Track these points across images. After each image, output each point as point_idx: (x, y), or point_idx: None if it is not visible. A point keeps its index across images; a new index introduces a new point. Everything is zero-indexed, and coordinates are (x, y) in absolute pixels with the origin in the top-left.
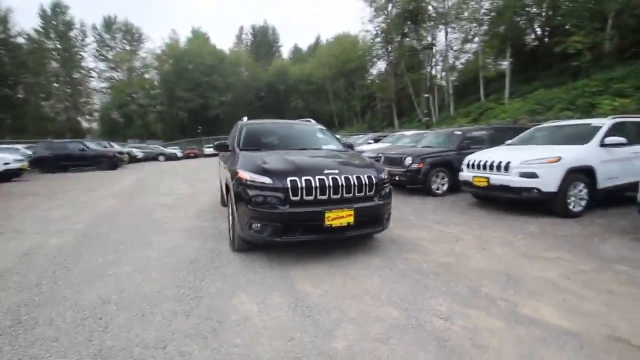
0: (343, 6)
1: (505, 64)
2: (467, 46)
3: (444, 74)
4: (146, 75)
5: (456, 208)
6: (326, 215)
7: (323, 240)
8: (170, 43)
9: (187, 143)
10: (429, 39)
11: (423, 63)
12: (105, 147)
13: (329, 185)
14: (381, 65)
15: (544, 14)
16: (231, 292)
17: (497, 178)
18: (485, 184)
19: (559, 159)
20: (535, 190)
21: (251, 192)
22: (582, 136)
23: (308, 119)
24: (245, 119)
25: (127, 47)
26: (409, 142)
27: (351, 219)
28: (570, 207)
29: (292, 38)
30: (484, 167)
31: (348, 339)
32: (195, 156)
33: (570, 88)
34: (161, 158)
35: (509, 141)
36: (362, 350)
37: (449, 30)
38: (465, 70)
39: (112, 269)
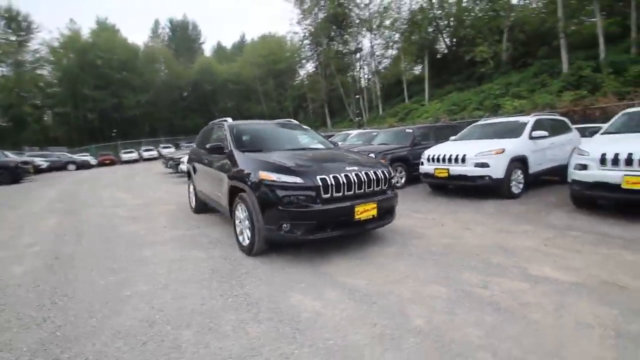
0: (267, 4)
1: (418, 69)
2: (390, 52)
3: (370, 76)
4: (41, 72)
5: (419, 198)
6: (356, 209)
7: (348, 235)
8: (70, 34)
9: (99, 149)
10: (354, 43)
11: (351, 66)
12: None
13: (355, 181)
14: (311, 67)
15: (451, 25)
16: (282, 293)
17: (456, 169)
18: (446, 174)
19: (504, 150)
20: (487, 178)
21: (281, 193)
22: (514, 131)
23: (289, 119)
24: (229, 119)
25: (13, 38)
26: (356, 140)
27: (375, 212)
28: (513, 190)
29: (215, 35)
30: (444, 160)
31: (422, 316)
32: (112, 163)
33: (478, 91)
34: (71, 167)
35: (454, 137)
36: (441, 322)
37: (372, 36)
38: (389, 74)
39: (126, 289)
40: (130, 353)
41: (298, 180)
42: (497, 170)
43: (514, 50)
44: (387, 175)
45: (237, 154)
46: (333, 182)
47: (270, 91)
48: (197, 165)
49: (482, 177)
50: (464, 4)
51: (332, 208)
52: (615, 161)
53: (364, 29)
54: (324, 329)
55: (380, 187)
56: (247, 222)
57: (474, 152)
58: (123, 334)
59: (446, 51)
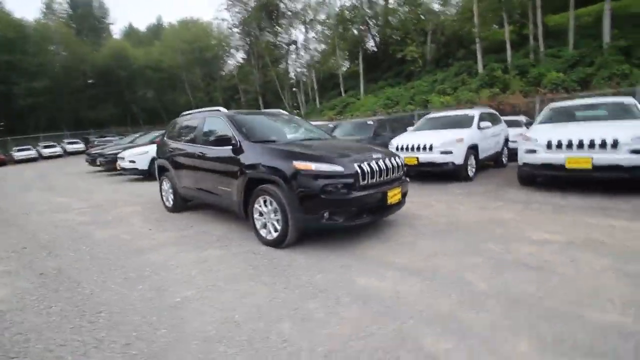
0: None
1: (350, 65)
2: (325, 46)
3: (306, 70)
4: None
5: None
6: (388, 194)
7: (378, 220)
8: None
9: None
10: (286, 35)
11: (285, 57)
12: None
13: (383, 168)
14: (242, 57)
15: (379, 25)
16: (344, 278)
17: (424, 157)
18: (416, 162)
19: (463, 139)
20: (451, 164)
21: (322, 182)
22: (465, 122)
23: (278, 110)
24: (222, 109)
25: None
26: None
27: (400, 196)
28: (469, 173)
29: (125, 17)
30: (412, 149)
31: (482, 281)
32: (3, 163)
33: (408, 87)
34: None
35: (411, 128)
36: (500, 283)
37: (305, 30)
38: (324, 68)
39: (169, 296)
40: (243, 354)
41: (338, 168)
42: (458, 156)
43: (436, 51)
44: (402, 163)
45: (248, 146)
46: (368, 170)
47: (197, 80)
48: (178, 159)
49: (446, 163)
50: (390, 6)
51: (371, 194)
52: (559, 146)
53: (296, 21)
54: (410, 303)
55: (399, 173)
56: (273, 214)
57: (439, 141)
58: (215, 337)
59: (376, 49)
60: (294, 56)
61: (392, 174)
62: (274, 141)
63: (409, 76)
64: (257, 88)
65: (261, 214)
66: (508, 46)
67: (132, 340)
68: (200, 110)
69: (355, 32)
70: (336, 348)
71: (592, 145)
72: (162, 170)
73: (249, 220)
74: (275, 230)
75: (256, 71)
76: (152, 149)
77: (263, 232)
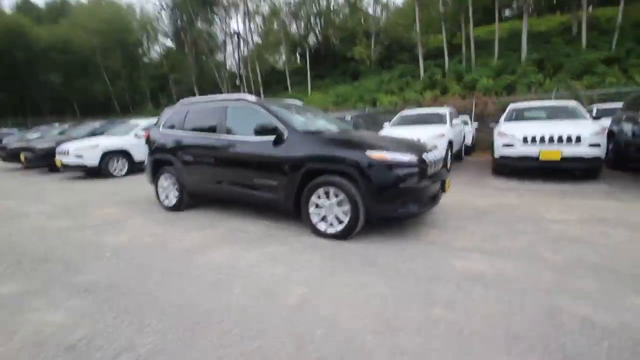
0: None
1: (289, 60)
2: (268, 39)
3: (249, 63)
4: None
5: None
6: (446, 182)
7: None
8: None
9: None
10: (223, 25)
11: (224, 48)
12: None
13: (437, 159)
14: (171, 43)
15: (323, 24)
16: (441, 264)
17: None
18: None
19: (444, 134)
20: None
21: (400, 172)
22: (438, 119)
23: (293, 100)
24: (248, 96)
25: None
26: None
27: (449, 184)
28: (447, 167)
29: None
30: None
31: (561, 254)
32: None
33: (357, 86)
34: None
35: (389, 124)
36: (579, 255)
37: (247, 21)
38: (269, 62)
39: (284, 300)
40: (435, 342)
41: (413, 158)
42: (442, 150)
43: (380, 53)
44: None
45: (299, 136)
46: (432, 159)
47: (118, 67)
48: (188, 151)
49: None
50: (332, 7)
51: (435, 182)
52: (534, 140)
53: (234, 11)
54: (523, 282)
55: (445, 164)
56: (336, 207)
57: (425, 136)
58: (386, 331)
59: (319, 47)
60: (232, 48)
61: (441, 165)
62: (318, 132)
63: (355, 75)
64: (193, 79)
65: (318, 207)
66: (445, 53)
67: (311, 350)
68: (211, 97)
69: (298, 28)
70: (524, 327)
71: (560, 140)
72: (160, 164)
73: (298, 214)
74: (339, 223)
75: (191, 60)
76: (103, 142)
77: (322, 226)
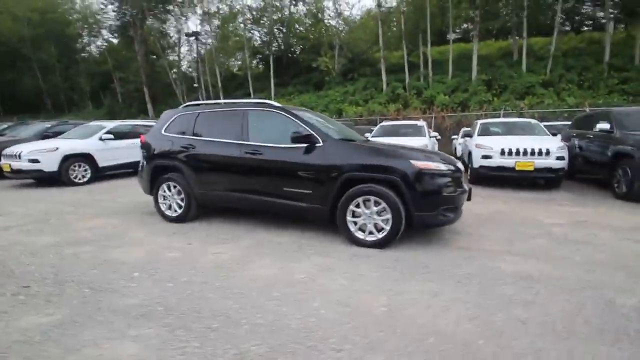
0: None
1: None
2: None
3: (206, 65)
4: None
5: None
6: (471, 191)
7: None
8: None
9: None
10: (177, 25)
11: (177, 47)
12: None
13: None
14: (116, 39)
15: (284, 32)
16: (488, 267)
17: None
18: None
19: (426, 145)
20: None
21: (441, 180)
22: (417, 131)
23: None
24: (270, 101)
25: None
26: None
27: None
28: None
29: None
30: None
31: (578, 253)
32: None
33: (322, 95)
34: None
35: (370, 135)
36: (589, 254)
37: (204, 22)
38: (231, 67)
39: (371, 310)
40: (533, 337)
41: (451, 167)
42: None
43: (343, 65)
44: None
45: (336, 145)
46: (463, 169)
47: (52, 61)
48: (201, 158)
49: None
50: (294, 15)
51: (466, 190)
52: (510, 153)
53: (189, 11)
54: (566, 280)
55: None
56: (376, 215)
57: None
58: (486, 335)
59: (283, 55)
60: (188, 49)
61: None
62: (353, 140)
63: (318, 85)
64: (143, 79)
65: (355, 215)
66: (406, 69)
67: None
68: (226, 101)
69: (261, 35)
70: (597, 318)
71: (533, 153)
72: (161, 172)
73: (332, 223)
74: (379, 230)
75: (141, 59)
76: (64, 145)
77: (360, 235)
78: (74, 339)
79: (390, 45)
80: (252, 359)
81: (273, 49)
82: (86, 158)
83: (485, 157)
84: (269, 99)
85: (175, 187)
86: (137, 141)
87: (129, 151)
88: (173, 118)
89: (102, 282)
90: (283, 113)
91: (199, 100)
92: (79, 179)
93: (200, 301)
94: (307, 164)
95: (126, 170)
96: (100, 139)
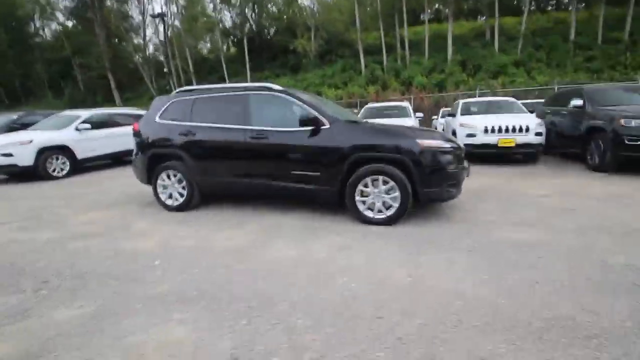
0: None
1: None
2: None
3: (175, 49)
4: None
5: None
6: (469, 169)
7: None
8: None
9: None
10: (140, 6)
11: (142, 30)
12: None
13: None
14: (73, 21)
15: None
16: (482, 238)
17: None
18: None
19: (414, 126)
20: None
21: (445, 158)
22: (403, 112)
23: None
24: (273, 85)
25: None
26: None
27: None
28: None
29: None
30: None
31: (581, 219)
32: None
33: (300, 79)
34: None
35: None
36: (594, 217)
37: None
38: (201, 50)
39: (448, 300)
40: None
41: (453, 145)
42: None
43: (320, 46)
44: None
45: (342, 126)
46: (463, 146)
47: (2, 47)
48: (202, 144)
49: None
50: None
51: (465, 167)
52: (493, 130)
53: None
54: (564, 246)
55: None
56: (385, 194)
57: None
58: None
59: (256, 37)
60: (154, 31)
61: None
62: (358, 122)
63: (295, 68)
64: (106, 64)
65: (363, 195)
66: (384, 51)
67: (472, 319)
68: (224, 85)
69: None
70: (596, 275)
71: (514, 130)
72: (159, 160)
73: (341, 204)
74: (387, 208)
75: (102, 43)
76: (38, 137)
77: (369, 213)
78: (116, 327)
79: (367, 26)
80: (301, 330)
81: (246, 30)
82: (63, 150)
83: (470, 135)
84: (245, 81)
85: (175, 175)
86: (117, 130)
87: (109, 141)
88: (167, 104)
89: (123, 272)
90: (285, 96)
91: (169, 85)
92: (58, 173)
93: (230, 284)
94: (315, 147)
95: (106, 161)
96: (77, 129)
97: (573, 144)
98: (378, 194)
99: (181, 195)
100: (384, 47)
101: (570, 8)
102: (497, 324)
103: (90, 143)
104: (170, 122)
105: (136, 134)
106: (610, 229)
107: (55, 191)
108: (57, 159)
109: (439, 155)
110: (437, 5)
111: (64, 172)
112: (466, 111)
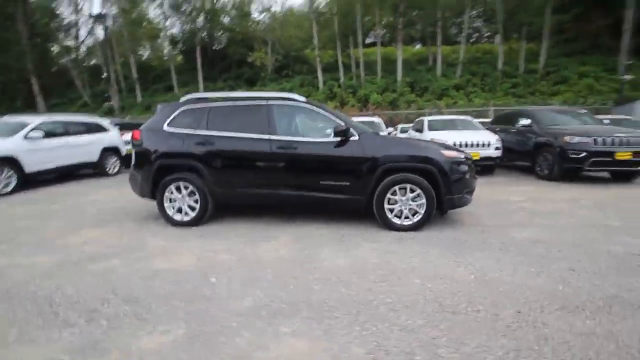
0: None
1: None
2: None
3: (116, 55)
4: None
5: None
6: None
7: None
8: None
9: None
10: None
11: (75, 30)
12: None
13: None
14: None
15: (208, 23)
16: (501, 238)
17: None
18: None
19: None
20: None
21: (464, 167)
22: (376, 127)
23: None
24: (296, 96)
25: None
26: None
27: None
28: None
29: None
30: None
31: (562, 224)
32: None
33: (257, 90)
34: None
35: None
36: (564, 223)
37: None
38: (148, 57)
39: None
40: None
41: (468, 155)
42: None
43: (277, 61)
44: None
45: (371, 138)
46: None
47: None
48: (223, 154)
49: None
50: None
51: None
52: (460, 145)
53: None
54: (569, 241)
55: None
56: (411, 201)
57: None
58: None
59: (208, 47)
60: (91, 33)
61: None
62: (383, 134)
63: (251, 80)
64: (29, 66)
65: (390, 203)
66: (340, 69)
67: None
68: (241, 94)
69: (182, 23)
70: (606, 260)
71: (477, 145)
72: (169, 172)
73: (369, 212)
74: (413, 215)
75: (24, 42)
76: None
77: (396, 220)
78: (230, 346)
79: (324, 45)
80: (419, 329)
81: (198, 40)
82: (9, 162)
83: None
84: (197, 92)
85: (186, 187)
86: (73, 140)
87: (64, 152)
88: (176, 112)
89: (182, 292)
90: (312, 107)
91: (108, 92)
92: (2, 189)
93: (312, 293)
94: (347, 157)
95: (61, 174)
96: (26, 137)
97: (522, 157)
98: (405, 202)
99: (192, 209)
100: (340, 66)
101: (496, 42)
102: (570, 305)
103: (42, 154)
104: (182, 131)
105: (137, 143)
106: (593, 226)
107: (11, 210)
108: (1, 172)
109: (460, 165)
110: (384, 32)
111: (9, 188)
112: (432, 127)
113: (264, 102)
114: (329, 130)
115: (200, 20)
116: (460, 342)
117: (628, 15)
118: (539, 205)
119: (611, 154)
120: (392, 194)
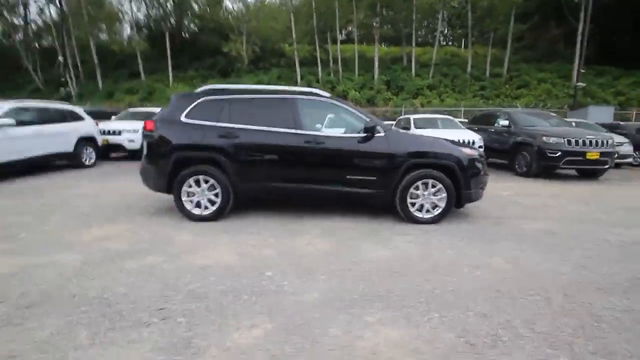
0: None
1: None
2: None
3: (67, 35)
4: None
5: None
6: None
7: None
8: None
9: None
10: None
11: (23, 9)
12: None
13: None
14: None
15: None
16: (514, 229)
17: None
18: None
19: None
20: None
21: (479, 164)
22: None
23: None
24: (321, 91)
25: None
26: None
27: None
28: None
29: None
30: None
31: (559, 216)
32: None
33: (232, 82)
34: None
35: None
36: (560, 216)
37: None
38: (110, 42)
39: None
40: None
41: (481, 152)
42: None
43: (253, 52)
44: None
45: (395, 135)
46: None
47: None
48: (248, 147)
49: None
50: None
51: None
52: None
53: None
54: (574, 233)
55: None
56: (433, 196)
57: None
58: None
59: (176, 35)
60: (36, 9)
61: None
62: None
63: (225, 71)
64: None
65: (412, 197)
66: (318, 64)
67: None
68: (265, 87)
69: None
70: (612, 249)
71: (463, 143)
72: (187, 164)
73: (392, 206)
74: (434, 208)
75: None
76: None
77: (418, 214)
78: (325, 338)
79: (301, 39)
80: (486, 313)
81: (163, 27)
82: None
83: None
84: (164, 81)
85: (207, 181)
86: (48, 128)
87: (38, 141)
88: (195, 103)
89: (243, 287)
90: (337, 103)
91: (65, 77)
92: None
93: (373, 284)
94: (373, 153)
95: (33, 165)
96: None
97: (501, 155)
98: (427, 196)
99: (212, 202)
100: (319, 60)
101: (464, 48)
102: (602, 288)
103: (14, 143)
104: (203, 123)
105: (149, 134)
106: (584, 219)
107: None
108: None
109: (476, 162)
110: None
111: None
112: (417, 126)
113: (288, 97)
114: (358, 126)
115: (169, 5)
116: (532, 322)
117: (581, 27)
118: (529, 200)
119: (583, 153)
120: (414, 189)
